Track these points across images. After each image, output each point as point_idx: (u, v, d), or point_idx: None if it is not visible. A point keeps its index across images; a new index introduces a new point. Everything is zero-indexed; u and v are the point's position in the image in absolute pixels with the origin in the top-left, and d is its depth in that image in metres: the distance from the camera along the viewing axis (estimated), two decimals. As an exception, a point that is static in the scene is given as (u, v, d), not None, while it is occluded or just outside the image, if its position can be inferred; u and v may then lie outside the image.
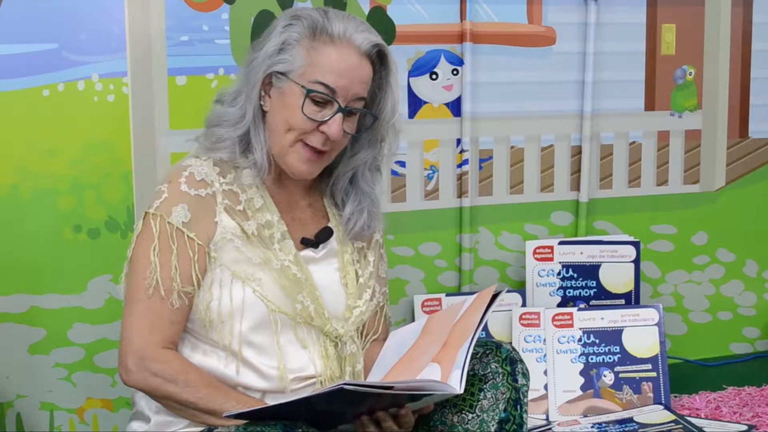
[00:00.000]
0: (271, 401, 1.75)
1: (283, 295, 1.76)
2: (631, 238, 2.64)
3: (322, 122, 1.74)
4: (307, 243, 1.84)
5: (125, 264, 1.78)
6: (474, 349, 1.64)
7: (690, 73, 2.73)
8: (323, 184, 1.91)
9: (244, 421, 1.57)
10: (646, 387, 2.46)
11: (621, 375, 2.46)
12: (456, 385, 1.55)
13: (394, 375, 1.70)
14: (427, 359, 1.65)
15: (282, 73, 1.75)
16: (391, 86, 1.81)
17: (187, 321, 1.76)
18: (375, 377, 1.75)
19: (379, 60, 1.80)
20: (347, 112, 1.76)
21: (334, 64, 1.74)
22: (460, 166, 2.56)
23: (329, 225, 1.89)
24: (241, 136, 1.79)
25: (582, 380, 2.45)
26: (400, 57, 2.44)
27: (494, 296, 1.69)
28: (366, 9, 2.40)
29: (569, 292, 2.58)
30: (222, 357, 1.75)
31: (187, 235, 1.73)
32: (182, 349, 1.77)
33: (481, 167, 2.59)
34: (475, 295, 1.73)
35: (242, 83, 1.81)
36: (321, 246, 1.86)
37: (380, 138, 1.86)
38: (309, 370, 1.78)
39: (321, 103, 1.75)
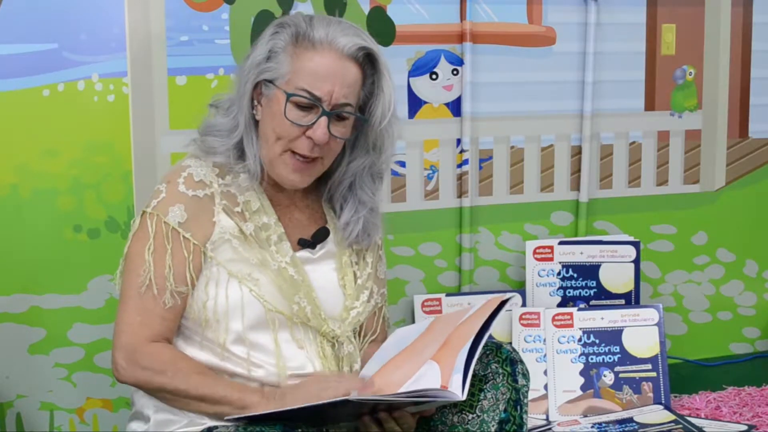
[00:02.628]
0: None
1: (280, 296, 1.77)
2: (631, 238, 2.64)
3: (308, 127, 1.75)
4: (304, 244, 1.84)
5: (120, 261, 1.79)
6: (475, 351, 1.65)
7: (690, 73, 2.73)
8: (322, 189, 1.91)
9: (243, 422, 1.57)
10: (646, 387, 2.46)
11: (621, 375, 2.46)
12: (458, 391, 1.55)
13: (392, 367, 1.71)
14: (426, 356, 1.65)
15: (270, 81, 1.76)
16: (383, 90, 1.79)
17: (183, 320, 1.77)
18: (372, 368, 1.75)
19: (369, 63, 1.79)
20: (333, 116, 1.76)
21: (317, 68, 1.73)
22: (460, 166, 2.56)
23: (326, 226, 1.89)
24: (235, 145, 1.79)
25: (582, 380, 2.45)
26: (400, 57, 2.45)
27: (503, 303, 1.69)
28: (366, 9, 2.40)
29: (569, 292, 2.58)
30: (218, 355, 1.75)
31: (183, 236, 1.74)
32: (177, 347, 1.77)
33: (481, 167, 2.59)
34: (484, 301, 1.73)
35: (234, 92, 1.82)
36: (318, 247, 1.86)
37: (374, 143, 1.85)
38: (307, 369, 1.78)
39: (305, 107, 1.74)
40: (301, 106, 1.74)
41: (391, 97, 1.80)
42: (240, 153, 1.80)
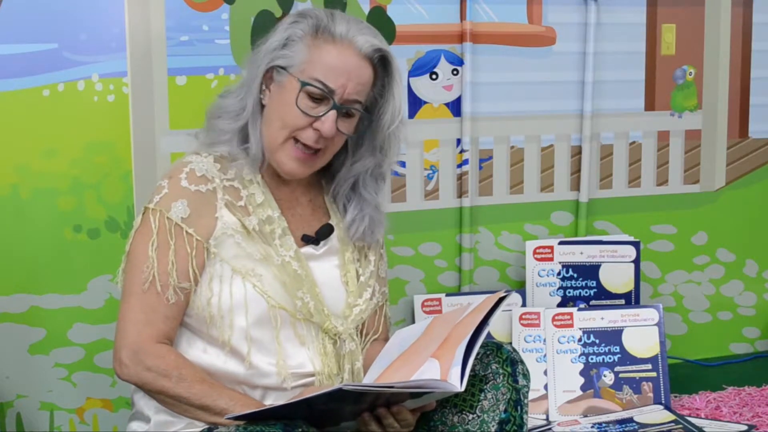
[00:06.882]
0: (270, 399, 1.76)
1: (283, 291, 1.77)
2: (631, 238, 2.64)
3: (316, 118, 1.75)
4: (307, 240, 1.85)
5: (123, 258, 1.79)
6: (476, 350, 1.65)
7: (690, 73, 2.73)
8: (325, 184, 1.92)
9: (243, 422, 1.57)
10: (646, 387, 2.46)
11: (621, 375, 2.46)
12: (456, 382, 1.55)
13: (393, 370, 1.71)
14: (426, 355, 1.65)
15: (283, 68, 1.77)
16: (393, 94, 1.82)
17: (186, 317, 1.77)
18: (374, 372, 1.75)
19: (382, 66, 1.81)
20: (342, 111, 1.77)
21: (333, 62, 1.75)
22: (460, 166, 2.56)
23: (330, 222, 1.89)
24: (240, 128, 1.80)
25: (582, 380, 2.45)
26: (400, 57, 2.43)
27: (501, 299, 1.69)
28: (366, 9, 2.40)
29: (569, 292, 2.58)
30: (221, 353, 1.76)
31: (186, 231, 1.74)
32: (179, 344, 1.78)
33: (481, 167, 2.59)
34: (482, 298, 1.73)
35: (245, 77, 1.83)
36: (322, 243, 1.86)
37: (380, 145, 1.86)
38: (307, 368, 1.79)
39: (316, 98, 1.76)
40: (312, 97, 1.76)
41: (401, 102, 1.83)
42: (243, 138, 1.81)
